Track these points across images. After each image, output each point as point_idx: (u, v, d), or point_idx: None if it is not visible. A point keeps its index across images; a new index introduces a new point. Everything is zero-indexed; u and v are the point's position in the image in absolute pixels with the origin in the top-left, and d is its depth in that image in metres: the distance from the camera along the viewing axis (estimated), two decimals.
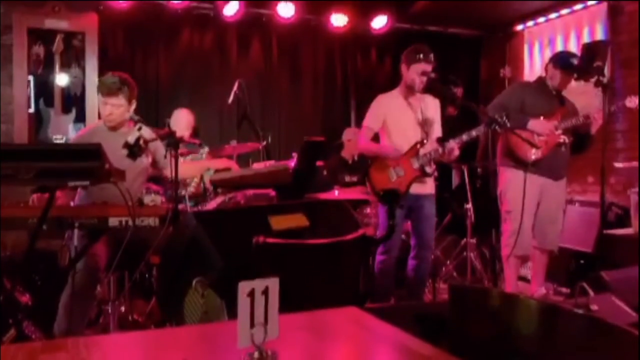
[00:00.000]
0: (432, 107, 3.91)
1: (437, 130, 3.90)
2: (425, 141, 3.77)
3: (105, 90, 3.13)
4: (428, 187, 3.84)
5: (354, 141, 4.55)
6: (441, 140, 3.74)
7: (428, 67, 3.71)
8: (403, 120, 3.81)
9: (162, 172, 3.45)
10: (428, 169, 3.78)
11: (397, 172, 3.73)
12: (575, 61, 3.96)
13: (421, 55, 3.72)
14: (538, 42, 6.12)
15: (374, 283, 3.74)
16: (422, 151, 3.75)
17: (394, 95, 3.88)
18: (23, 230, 2.44)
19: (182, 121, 4.64)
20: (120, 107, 3.14)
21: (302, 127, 6.09)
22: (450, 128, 3.78)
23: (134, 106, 3.21)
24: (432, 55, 3.74)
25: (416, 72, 3.72)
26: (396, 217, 3.52)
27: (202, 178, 4.20)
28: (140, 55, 5.71)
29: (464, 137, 3.66)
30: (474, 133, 3.65)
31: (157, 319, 3.40)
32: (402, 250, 3.98)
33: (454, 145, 3.66)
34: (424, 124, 3.81)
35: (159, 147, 3.28)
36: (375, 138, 3.94)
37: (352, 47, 6.49)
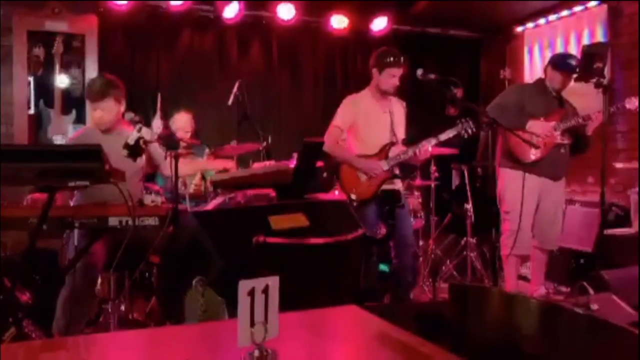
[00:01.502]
0: (399, 109, 3.95)
1: (402, 133, 3.94)
2: (395, 142, 3.80)
3: (92, 95, 3.13)
4: (397, 186, 3.87)
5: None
6: (407, 143, 3.79)
7: (400, 71, 3.75)
8: (373, 122, 3.83)
9: (160, 170, 3.46)
10: (397, 171, 3.82)
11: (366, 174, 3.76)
12: (573, 62, 3.97)
13: (393, 59, 3.75)
14: (538, 43, 6.12)
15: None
16: (391, 153, 3.78)
17: (364, 96, 3.91)
18: (23, 230, 2.44)
19: (182, 124, 4.64)
20: (110, 110, 3.13)
21: (302, 128, 6.08)
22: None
23: (123, 107, 3.21)
24: (402, 58, 3.78)
25: (389, 75, 3.74)
26: (370, 217, 3.56)
27: (203, 178, 4.20)
28: (140, 57, 5.71)
29: (433, 140, 3.69)
30: (442, 137, 3.70)
31: (157, 318, 3.40)
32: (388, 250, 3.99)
33: (427, 146, 3.69)
34: (393, 126, 3.84)
35: (156, 146, 3.29)
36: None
37: (352, 49, 6.49)
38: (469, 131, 3.64)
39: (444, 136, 3.68)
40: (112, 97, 3.12)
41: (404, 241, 3.81)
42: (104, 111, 3.12)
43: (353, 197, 3.71)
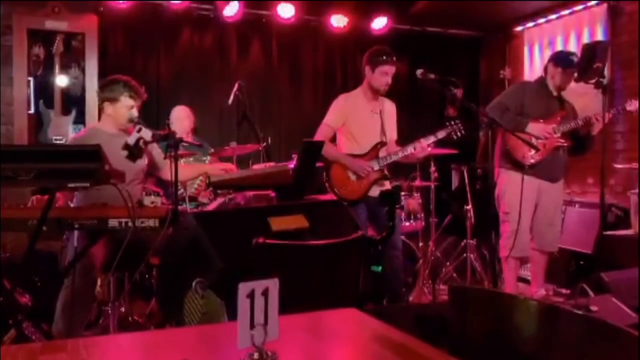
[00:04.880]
0: (390, 110, 3.95)
1: (393, 133, 3.94)
2: (385, 142, 3.80)
3: (112, 94, 3.18)
4: (386, 188, 3.83)
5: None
6: (399, 143, 3.79)
7: (392, 69, 3.75)
8: (364, 121, 3.82)
9: (160, 174, 3.44)
10: (387, 171, 3.81)
11: (356, 174, 3.75)
12: (574, 59, 3.96)
13: (385, 57, 3.75)
14: (538, 43, 6.12)
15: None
16: (381, 153, 3.78)
17: (356, 95, 3.90)
18: (23, 232, 2.44)
19: (182, 119, 4.63)
20: (123, 109, 3.20)
21: (302, 128, 6.07)
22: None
23: (136, 111, 3.24)
24: (394, 57, 3.78)
25: (382, 73, 3.74)
26: (360, 218, 3.55)
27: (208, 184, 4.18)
28: (140, 57, 5.71)
29: (433, 137, 3.72)
30: (438, 135, 3.73)
31: (157, 320, 3.40)
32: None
33: (424, 144, 3.69)
34: (384, 127, 3.83)
35: (156, 148, 3.29)
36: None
37: (352, 48, 6.48)
38: (458, 134, 3.67)
39: (432, 138, 3.70)
40: (128, 98, 3.18)
41: (390, 243, 3.77)
42: (121, 109, 3.17)
43: (341, 196, 3.70)
